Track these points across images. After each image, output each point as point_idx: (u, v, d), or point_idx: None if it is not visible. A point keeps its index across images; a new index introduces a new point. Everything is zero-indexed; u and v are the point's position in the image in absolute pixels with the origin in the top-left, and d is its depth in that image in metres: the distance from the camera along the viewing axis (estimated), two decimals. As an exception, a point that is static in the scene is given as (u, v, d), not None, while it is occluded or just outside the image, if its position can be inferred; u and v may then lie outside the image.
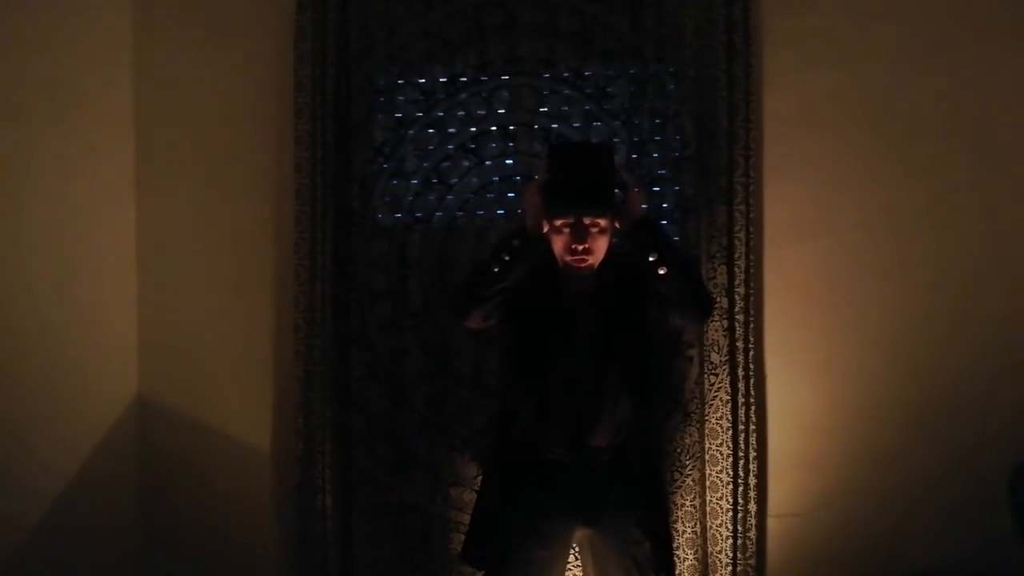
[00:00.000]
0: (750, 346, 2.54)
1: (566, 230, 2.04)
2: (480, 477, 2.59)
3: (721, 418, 2.55)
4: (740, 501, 2.54)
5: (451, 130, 2.66)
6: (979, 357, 2.56)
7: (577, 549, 2.27)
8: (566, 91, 2.64)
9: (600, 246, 2.06)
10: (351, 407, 2.68)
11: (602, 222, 2.04)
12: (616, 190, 2.06)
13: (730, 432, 2.54)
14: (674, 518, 2.54)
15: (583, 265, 2.05)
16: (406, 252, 2.67)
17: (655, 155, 2.61)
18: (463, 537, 2.62)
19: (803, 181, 2.59)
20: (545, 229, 2.08)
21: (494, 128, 2.65)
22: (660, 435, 2.52)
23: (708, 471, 2.56)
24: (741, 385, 2.54)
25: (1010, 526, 2.37)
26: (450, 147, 2.67)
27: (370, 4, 2.64)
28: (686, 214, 2.57)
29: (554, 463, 2.08)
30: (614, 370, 2.08)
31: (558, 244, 2.06)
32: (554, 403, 2.08)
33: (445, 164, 2.67)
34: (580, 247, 2.03)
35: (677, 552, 2.53)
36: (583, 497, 2.07)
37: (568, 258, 2.05)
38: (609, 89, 2.63)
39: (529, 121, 2.64)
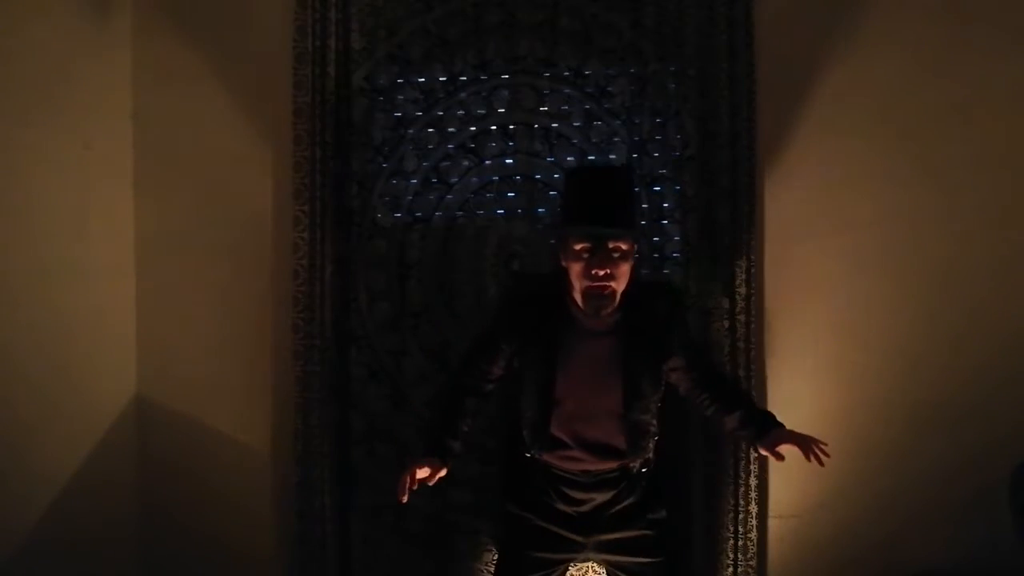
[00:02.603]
0: (751, 346, 2.54)
1: (585, 256, 1.89)
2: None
3: (722, 419, 2.54)
4: (741, 502, 2.54)
5: (451, 129, 2.66)
6: (980, 359, 2.56)
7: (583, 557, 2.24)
8: (566, 90, 2.63)
9: (623, 272, 1.90)
10: (350, 407, 2.67)
11: (624, 245, 1.89)
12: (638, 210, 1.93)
13: (731, 433, 2.54)
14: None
15: (605, 292, 1.89)
16: (406, 252, 2.66)
17: (656, 154, 2.61)
18: (463, 538, 2.62)
19: (804, 181, 2.58)
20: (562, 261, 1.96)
21: (494, 127, 2.65)
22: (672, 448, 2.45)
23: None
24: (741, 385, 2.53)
25: (1011, 527, 2.36)
26: (450, 147, 2.66)
27: (370, 3, 2.63)
28: (686, 214, 2.56)
29: (565, 478, 2.04)
30: (630, 405, 1.99)
31: (576, 270, 1.91)
32: (564, 435, 2.01)
33: (445, 164, 2.66)
34: (601, 272, 1.88)
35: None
36: (594, 507, 2.04)
37: (588, 284, 1.89)
38: (609, 88, 2.62)
39: (529, 120, 2.63)
